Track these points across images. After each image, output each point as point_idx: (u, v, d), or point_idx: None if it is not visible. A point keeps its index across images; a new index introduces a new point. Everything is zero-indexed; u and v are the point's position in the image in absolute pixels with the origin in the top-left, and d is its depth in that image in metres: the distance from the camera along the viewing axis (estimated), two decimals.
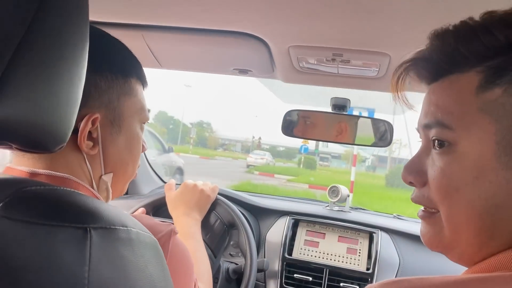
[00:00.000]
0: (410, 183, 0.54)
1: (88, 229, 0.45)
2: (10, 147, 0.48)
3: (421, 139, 0.55)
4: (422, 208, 0.54)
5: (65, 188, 0.51)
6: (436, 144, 0.49)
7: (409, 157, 0.55)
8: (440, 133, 0.48)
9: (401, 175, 0.55)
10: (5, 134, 0.44)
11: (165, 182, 1.93)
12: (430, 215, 0.52)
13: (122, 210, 0.55)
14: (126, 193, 1.75)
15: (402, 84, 0.56)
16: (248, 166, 23.57)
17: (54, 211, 0.46)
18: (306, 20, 0.84)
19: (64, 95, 0.47)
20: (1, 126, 0.42)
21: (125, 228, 0.50)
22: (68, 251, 0.43)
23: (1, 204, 0.43)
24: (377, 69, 1.01)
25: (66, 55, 0.46)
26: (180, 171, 9.35)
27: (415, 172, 0.53)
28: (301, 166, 26.74)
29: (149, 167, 1.85)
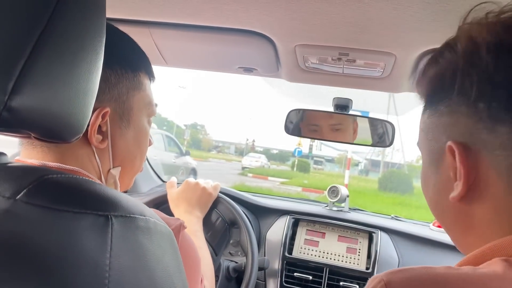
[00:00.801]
0: None
1: (109, 216, 0.46)
2: (29, 136, 0.49)
3: None
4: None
5: (84, 178, 0.51)
6: None
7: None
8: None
9: None
10: (26, 123, 0.44)
11: (163, 181, 1.93)
12: None
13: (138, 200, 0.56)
14: (125, 191, 1.75)
15: None
16: (243, 168, 23.66)
17: (77, 198, 0.46)
18: (314, 19, 0.85)
19: (82, 86, 0.48)
20: (23, 115, 0.42)
21: (143, 217, 0.51)
22: (90, 238, 0.43)
23: (24, 190, 0.44)
24: (382, 69, 1.02)
25: (85, 47, 0.47)
26: (194, 171, 10.95)
27: None
28: (295, 169, 26.75)
29: (148, 165, 1.85)
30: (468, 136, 0.48)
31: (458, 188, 0.48)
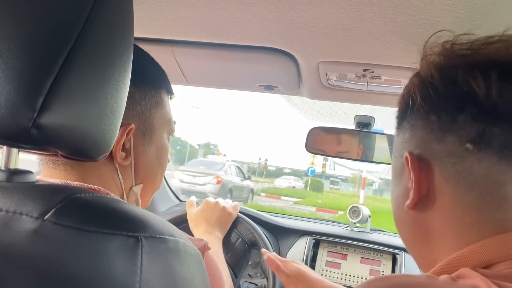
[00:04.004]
0: None
1: (139, 237, 0.44)
2: (56, 154, 0.48)
3: None
4: None
5: (112, 197, 0.50)
6: None
7: None
8: None
9: None
10: (54, 140, 0.43)
11: (181, 201, 1.91)
12: None
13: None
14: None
15: None
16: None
17: (106, 218, 0.44)
18: (338, 35, 0.84)
19: (110, 104, 0.47)
20: (52, 132, 0.41)
21: (173, 238, 0.49)
22: (120, 260, 0.41)
23: (53, 210, 0.42)
24: None
25: (114, 63, 0.46)
26: (252, 191, 15.34)
27: None
28: (308, 188, 26.53)
29: (166, 184, 1.84)
30: (422, 147, 0.53)
31: (411, 195, 0.52)
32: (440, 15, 0.72)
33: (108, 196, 0.50)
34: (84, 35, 0.41)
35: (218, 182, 12.48)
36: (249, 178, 15.84)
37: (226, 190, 12.80)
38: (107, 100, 0.46)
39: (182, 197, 1.92)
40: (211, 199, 1.31)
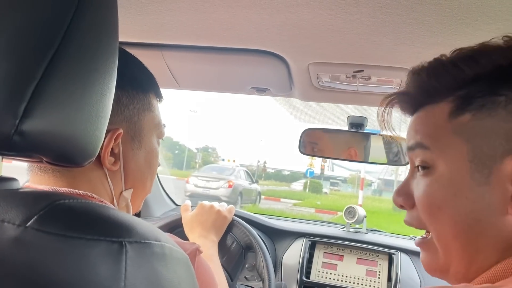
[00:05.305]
0: (401, 206, 0.57)
1: (123, 243, 0.44)
2: (41, 161, 0.47)
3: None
4: (418, 236, 0.57)
5: (97, 202, 0.50)
6: (419, 167, 0.52)
7: None
8: (420, 155, 0.52)
9: (392, 198, 0.58)
10: (38, 147, 0.43)
11: (177, 205, 1.91)
12: (424, 240, 0.54)
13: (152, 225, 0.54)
14: (138, 215, 1.71)
15: (389, 116, 0.60)
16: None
17: (89, 224, 0.44)
18: (327, 36, 0.84)
19: (95, 109, 0.46)
20: (35, 139, 0.41)
21: (159, 242, 0.49)
22: (103, 265, 0.41)
23: (35, 217, 0.42)
24: (398, 86, 1.01)
25: (98, 68, 0.46)
26: (259, 193, 16.39)
27: (403, 194, 0.56)
28: (307, 190, 26.51)
29: (161, 189, 1.83)
30: None
31: None
32: (426, 14, 0.73)
33: (94, 201, 0.50)
34: (67, 40, 0.41)
35: (230, 186, 13.52)
36: (256, 181, 16.96)
37: (237, 193, 13.78)
38: (91, 105, 0.46)
39: (178, 202, 1.92)
40: (206, 202, 1.31)
